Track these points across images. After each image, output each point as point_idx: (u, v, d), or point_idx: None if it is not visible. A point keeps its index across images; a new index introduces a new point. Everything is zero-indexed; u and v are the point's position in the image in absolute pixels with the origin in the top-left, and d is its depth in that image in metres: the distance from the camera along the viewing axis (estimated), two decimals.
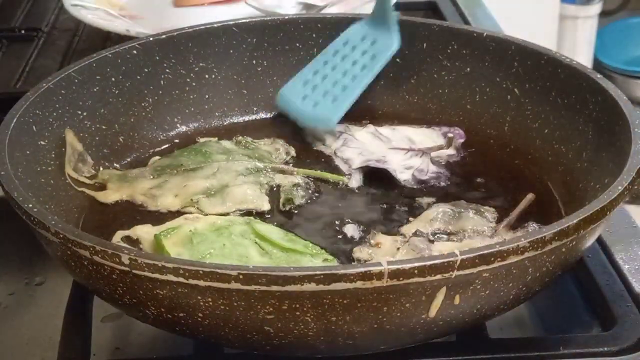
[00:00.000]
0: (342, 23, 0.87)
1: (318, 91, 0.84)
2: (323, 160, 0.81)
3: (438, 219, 0.70)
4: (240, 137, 0.82)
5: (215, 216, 0.71)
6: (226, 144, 0.81)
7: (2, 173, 0.63)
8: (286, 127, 0.85)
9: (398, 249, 0.67)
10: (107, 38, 1.13)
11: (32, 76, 1.06)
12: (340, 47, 0.85)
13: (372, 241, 0.68)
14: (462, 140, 0.81)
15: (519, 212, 0.71)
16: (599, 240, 0.73)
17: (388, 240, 0.68)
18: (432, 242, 0.67)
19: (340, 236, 0.70)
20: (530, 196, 0.72)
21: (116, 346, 0.69)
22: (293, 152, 0.82)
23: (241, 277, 0.51)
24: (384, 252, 0.66)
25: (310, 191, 0.76)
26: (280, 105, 0.85)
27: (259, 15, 1.02)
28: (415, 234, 0.68)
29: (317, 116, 0.83)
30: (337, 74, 0.84)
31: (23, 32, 1.19)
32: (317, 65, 0.85)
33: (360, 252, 0.67)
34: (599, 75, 0.74)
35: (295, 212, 0.73)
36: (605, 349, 0.63)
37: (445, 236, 0.68)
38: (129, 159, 0.80)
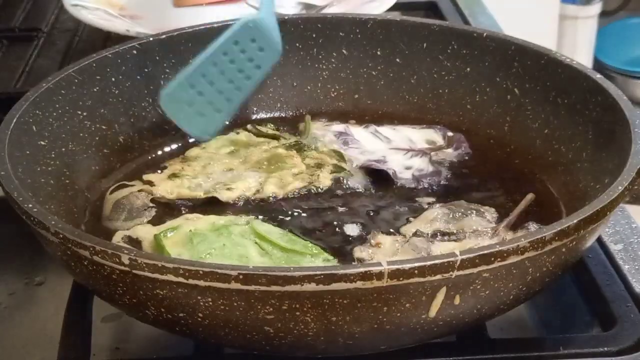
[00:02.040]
0: (342, 23, 0.87)
1: (204, 98, 0.78)
2: (340, 158, 0.81)
3: (438, 219, 0.70)
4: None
5: (215, 216, 0.71)
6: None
7: (2, 173, 0.63)
8: (285, 128, 0.86)
9: (398, 249, 0.66)
10: (107, 38, 1.13)
11: (32, 76, 1.06)
12: (230, 47, 0.79)
13: (372, 241, 0.68)
14: (464, 144, 0.81)
15: (519, 212, 0.71)
16: (599, 240, 0.73)
17: (388, 240, 0.68)
18: (432, 242, 0.67)
19: (340, 236, 0.70)
20: (530, 196, 0.72)
21: (116, 346, 0.69)
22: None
23: (241, 277, 0.51)
24: (384, 252, 0.66)
25: None
26: (164, 106, 0.78)
27: None
28: (415, 234, 0.68)
29: (199, 127, 0.79)
30: (224, 81, 0.79)
31: (23, 32, 1.19)
32: (206, 67, 0.78)
33: (360, 252, 0.67)
34: (599, 76, 0.74)
35: (296, 213, 0.73)
36: (606, 349, 0.63)
37: (445, 236, 0.68)
38: (129, 159, 0.80)
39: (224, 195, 0.74)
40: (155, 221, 0.71)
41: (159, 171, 0.78)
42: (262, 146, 0.81)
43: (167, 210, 0.73)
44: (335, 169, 0.78)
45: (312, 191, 0.76)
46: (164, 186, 0.75)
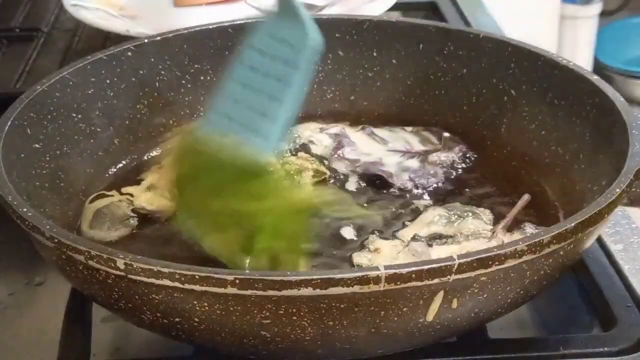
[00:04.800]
0: (338, 24, 0.87)
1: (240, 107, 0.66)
2: (320, 162, 0.81)
3: (435, 222, 0.69)
4: None
5: None
6: None
7: None
8: None
9: (398, 253, 0.66)
10: (107, 38, 1.13)
11: (32, 76, 1.06)
12: (251, 55, 0.66)
13: (370, 246, 0.67)
14: (460, 146, 0.81)
15: (516, 213, 0.70)
16: (599, 241, 0.73)
17: (387, 246, 0.67)
18: (430, 245, 0.67)
19: (336, 239, 0.69)
20: (526, 196, 0.72)
21: (116, 346, 0.69)
22: None
23: (237, 282, 0.51)
24: (383, 258, 0.66)
25: None
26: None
27: (257, 15, 1.02)
28: (413, 238, 0.67)
29: (255, 142, 0.65)
30: (257, 91, 0.66)
31: (23, 32, 1.19)
32: (231, 86, 0.67)
33: (359, 258, 0.66)
34: (595, 77, 0.73)
35: None
36: (606, 349, 0.63)
37: (443, 239, 0.68)
38: (123, 162, 0.80)
39: None
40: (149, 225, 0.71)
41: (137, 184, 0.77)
42: None
43: (149, 219, 0.73)
44: (315, 174, 0.77)
45: None
46: (145, 197, 0.75)
